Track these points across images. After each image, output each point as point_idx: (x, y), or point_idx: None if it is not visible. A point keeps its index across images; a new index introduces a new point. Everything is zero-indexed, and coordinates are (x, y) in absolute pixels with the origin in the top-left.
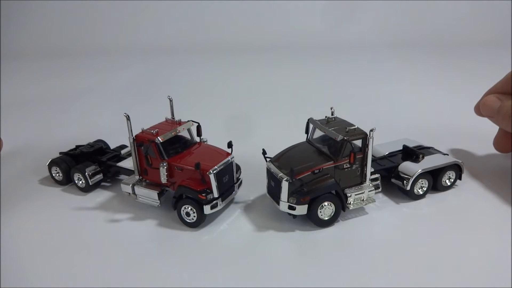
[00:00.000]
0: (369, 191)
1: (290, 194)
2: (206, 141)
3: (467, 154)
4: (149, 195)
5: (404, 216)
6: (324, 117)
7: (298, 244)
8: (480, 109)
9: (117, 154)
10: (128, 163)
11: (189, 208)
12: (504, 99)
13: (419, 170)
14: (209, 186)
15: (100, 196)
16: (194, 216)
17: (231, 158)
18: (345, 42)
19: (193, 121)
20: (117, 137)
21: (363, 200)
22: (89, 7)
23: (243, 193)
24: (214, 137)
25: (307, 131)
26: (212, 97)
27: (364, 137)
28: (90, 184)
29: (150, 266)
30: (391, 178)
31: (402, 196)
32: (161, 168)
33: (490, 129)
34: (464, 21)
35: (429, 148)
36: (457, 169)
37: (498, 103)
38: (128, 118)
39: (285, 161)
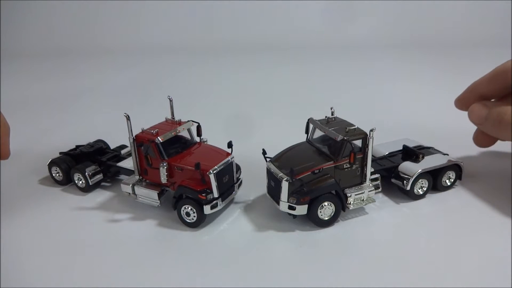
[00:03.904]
0: (369, 191)
1: (290, 194)
2: (206, 141)
3: (467, 154)
4: (149, 195)
5: (404, 216)
6: (324, 117)
7: (298, 244)
8: (468, 117)
9: (117, 154)
10: (128, 163)
11: (189, 208)
12: (491, 105)
13: (419, 170)
14: (209, 186)
15: (100, 196)
16: (194, 216)
17: (231, 158)
18: (345, 42)
19: (193, 121)
20: (117, 137)
21: (363, 200)
22: (89, 7)
23: (243, 193)
24: (214, 137)
25: (307, 131)
26: (212, 97)
27: (364, 137)
28: (90, 184)
29: (150, 266)
30: (391, 178)
31: (402, 196)
32: (161, 168)
33: None
34: (464, 21)
35: (429, 148)
36: (457, 169)
37: (485, 110)
38: (128, 118)
39: (285, 161)
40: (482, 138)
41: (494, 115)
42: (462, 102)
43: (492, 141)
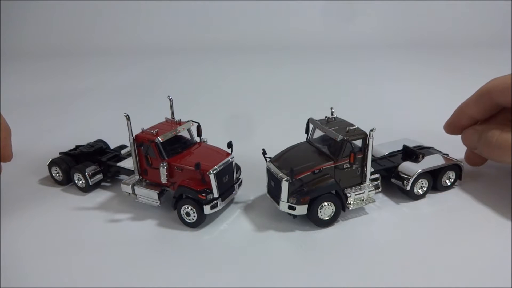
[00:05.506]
0: (369, 191)
1: (290, 194)
2: (206, 141)
3: None
4: (149, 195)
5: (404, 216)
6: (324, 117)
7: (298, 244)
8: (462, 142)
9: (117, 154)
10: (128, 163)
11: (189, 208)
12: (481, 130)
13: (419, 170)
14: (209, 186)
15: (100, 196)
16: (194, 216)
17: (231, 158)
18: (345, 42)
19: (193, 121)
20: (117, 137)
21: (363, 200)
22: (89, 7)
23: (243, 193)
24: (214, 137)
25: (307, 131)
26: (212, 97)
27: (364, 137)
28: (90, 184)
29: (150, 266)
30: (391, 178)
31: (402, 196)
32: (161, 168)
33: None
34: (464, 21)
35: (429, 148)
36: (457, 169)
37: (476, 135)
38: (128, 118)
39: (285, 161)
40: (474, 158)
41: (483, 139)
42: (452, 127)
43: (483, 160)
